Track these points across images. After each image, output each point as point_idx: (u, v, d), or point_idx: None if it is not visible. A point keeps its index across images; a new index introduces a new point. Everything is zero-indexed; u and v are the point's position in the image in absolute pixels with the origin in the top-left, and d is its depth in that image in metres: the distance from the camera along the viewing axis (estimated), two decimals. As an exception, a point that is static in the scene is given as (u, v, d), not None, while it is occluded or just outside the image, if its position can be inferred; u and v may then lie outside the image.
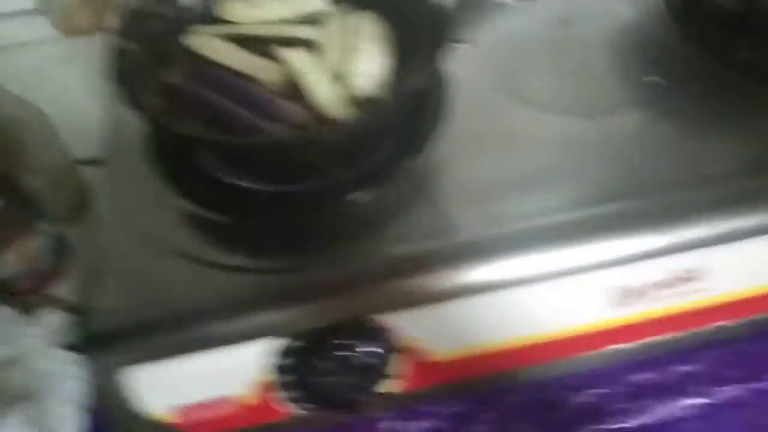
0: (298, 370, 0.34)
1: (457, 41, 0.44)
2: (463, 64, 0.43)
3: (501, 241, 0.36)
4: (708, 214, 0.37)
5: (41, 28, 0.60)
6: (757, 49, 0.43)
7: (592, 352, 0.39)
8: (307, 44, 0.42)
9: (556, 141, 0.40)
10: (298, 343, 0.34)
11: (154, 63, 0.41)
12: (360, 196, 0.39)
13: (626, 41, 0.45)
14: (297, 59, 0.41)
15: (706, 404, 0.41)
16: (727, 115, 0.41)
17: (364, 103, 0.39)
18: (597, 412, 0.41)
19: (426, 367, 0.37)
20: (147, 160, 0.41)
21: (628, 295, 0.37)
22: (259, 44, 0.43)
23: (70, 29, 0.60)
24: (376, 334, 0.35)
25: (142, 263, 0.37)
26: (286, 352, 0.34)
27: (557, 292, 0.36)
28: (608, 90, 0.42)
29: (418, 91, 0.38)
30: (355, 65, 0.40)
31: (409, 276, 0.35)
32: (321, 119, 0.38)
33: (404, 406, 0.38)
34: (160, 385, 0.35)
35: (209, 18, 0.44)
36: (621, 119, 0.41)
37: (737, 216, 0.37)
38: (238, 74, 0.41)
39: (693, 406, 0.41)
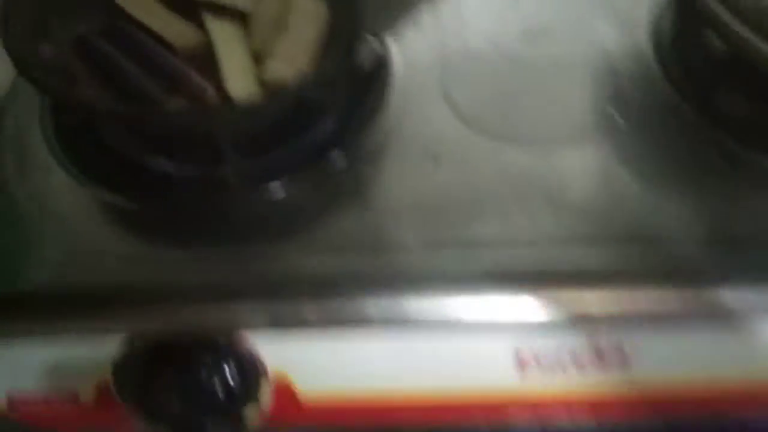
0: (135, 379, 0.30)
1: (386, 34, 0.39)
2: (411, 60, 0.39)
3: (400, 275, 0.32)
4: (636, 280, 0.32)
5: None
6: (741, 103, 0.38)
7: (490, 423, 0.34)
8: (239, 14, 0.38)
9: (489, 167, 0.35)
10: (138, 347, 0.30)
11: (60, 8, 0.36)
12: (266, 191, 0.35)
13: (598, 67, 0.40)
14: (219, 31, 0.36)
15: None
16: (691, 171, 0.36)
17: (275, 88, 0.35)
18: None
19: (293, 403, 0.33)
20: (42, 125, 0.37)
21: (537, 364, 0.33)
22: (188, 4, 0.38)
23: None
24: (232, 355, 0.31)
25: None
26: (123, 358, 0.30)
27: (454, 344, 0.32)
28: (560, 118, 0.37)
29: (326, 81, 0.34)
30: (277, 47, 0.35)
31: (283, 295, 0.31)
32: (227, 99, 0.34)
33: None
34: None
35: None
36: (564, 154, 0.36)
37: (670, 290, 0.32)
38: (153, 36, 0.37)
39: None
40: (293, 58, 0.35)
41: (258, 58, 0.36)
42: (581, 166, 0.36)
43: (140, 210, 0.34)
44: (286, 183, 0.35)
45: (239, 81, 0.34)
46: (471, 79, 0.38)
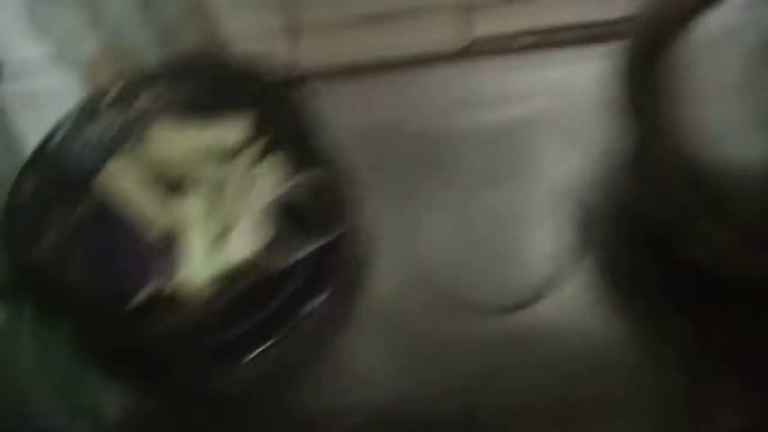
0: None
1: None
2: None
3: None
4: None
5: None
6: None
7: None
8: (216, 185, 0.40)
9: (451, 339, 0.35)
10: None
11: (56, 202, 0.40)
12: (224, 369, 0.37)
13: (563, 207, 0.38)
14: (189, 210, 0.39)
15: None
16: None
17: (233, 274, 0.36)
18: None
19: None
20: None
21: None
22: (173, 180, 0.41)
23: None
24: None
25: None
26: None
27: None
28: (520, 276, 0.36)
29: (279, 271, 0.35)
30: (239, 220, 0.37)
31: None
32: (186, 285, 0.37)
33: None
34: None
35: (137, 143, 0.44)
36: (526, 317, 0.35)
37: None
38: (133, 220, 0.40)
39: None
40: (253, 232, 0.37)
41: (223, 232, 0.38)
42: (544, 333, 0.34)
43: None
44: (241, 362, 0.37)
45: (196, 269, 0.37)
46: (433, 238, 0.38)
